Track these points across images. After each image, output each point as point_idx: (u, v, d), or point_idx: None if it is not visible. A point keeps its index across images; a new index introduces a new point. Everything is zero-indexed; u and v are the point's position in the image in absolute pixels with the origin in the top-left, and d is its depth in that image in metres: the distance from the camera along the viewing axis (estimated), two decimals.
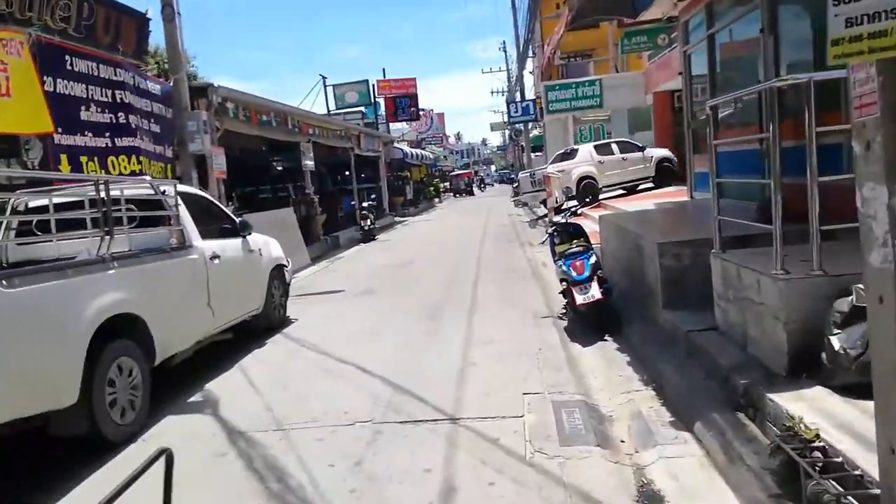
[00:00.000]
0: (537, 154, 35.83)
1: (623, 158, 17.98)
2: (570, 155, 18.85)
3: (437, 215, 29.88)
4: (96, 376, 4.27)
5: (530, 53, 37.65)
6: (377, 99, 32.63)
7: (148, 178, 6.45)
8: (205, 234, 6.31)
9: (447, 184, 53.72)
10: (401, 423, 4.41)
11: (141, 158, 8.95)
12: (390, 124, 34.63)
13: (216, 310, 6.10)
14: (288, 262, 8.42)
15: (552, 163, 19.40)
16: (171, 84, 10.50)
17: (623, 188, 18.03)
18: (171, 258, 5.55)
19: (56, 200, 5.59)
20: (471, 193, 53.93)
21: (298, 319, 8.26)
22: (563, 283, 6.50)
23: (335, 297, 9.74)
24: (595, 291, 6.15)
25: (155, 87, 9.99)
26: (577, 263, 6.32)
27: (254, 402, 5.17)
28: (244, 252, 7.02)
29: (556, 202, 18.37)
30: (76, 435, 4.21)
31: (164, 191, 5.81)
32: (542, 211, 19.80)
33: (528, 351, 5.93)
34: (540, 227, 7.80)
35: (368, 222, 18.92)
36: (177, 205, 5.78)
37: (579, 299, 6.16)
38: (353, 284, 10.67)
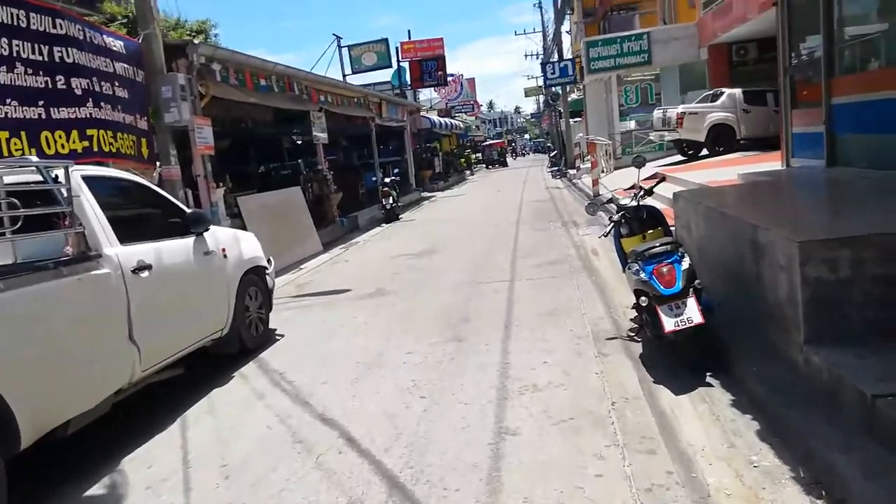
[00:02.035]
0: (576, 119, 33.34)
1: (776, 111, 15.71)
2: (715, 97, 16.52)
3: (467, 189, 27.78)
4: None
5: (567, 11, 34.92)
6: (401, 63, 30.31)
7: (33, 158, 4.57)
8: (133, 236, 4.48)
9: (479, 154, 51.45)
10: None
11: (95, 132, 7.16)
12: (417, 91, 32.33)
13: (144, 345, 4.27)
14: (270, 261, 6.55)
15: (696, 103, 17.14)
16: (140, 41, 8.65)
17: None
18: (55, 278, 3.69)
19: None
20: (504, 164, 51.58)
21: (284, 336, 6.42)
22: (643, 299, 4.44)
23: (338, 301, 7.86)
24: (693, 313, 4.13)
25: (116, 43, 8.10)
26: (664, 270, 4.28)
27: None
28: (196, 256, 5.15)
29: (603, 172, 16.01)
30: None
31: (56, 176, 3.96)
32: (587, 181, 17.45)
33: (593, 406, 3.96)
34: (602, 217, 5.72)
35: (391, 200, 17.00)
36: (70, 196, 3.91)
37: (669, 324, 4.14)
38: (363, 281, 8.80)
